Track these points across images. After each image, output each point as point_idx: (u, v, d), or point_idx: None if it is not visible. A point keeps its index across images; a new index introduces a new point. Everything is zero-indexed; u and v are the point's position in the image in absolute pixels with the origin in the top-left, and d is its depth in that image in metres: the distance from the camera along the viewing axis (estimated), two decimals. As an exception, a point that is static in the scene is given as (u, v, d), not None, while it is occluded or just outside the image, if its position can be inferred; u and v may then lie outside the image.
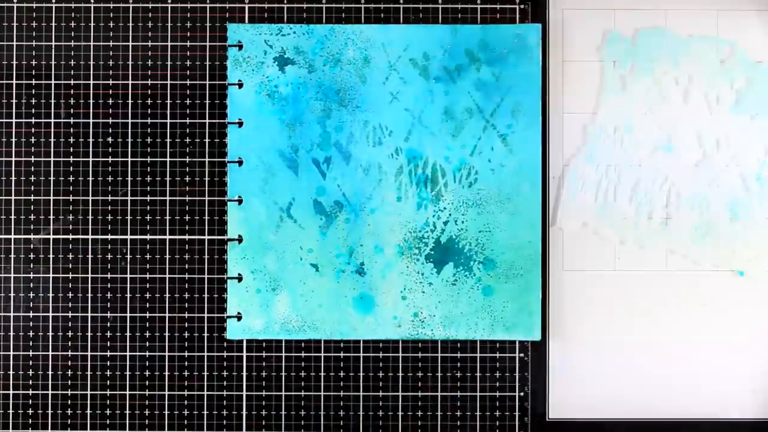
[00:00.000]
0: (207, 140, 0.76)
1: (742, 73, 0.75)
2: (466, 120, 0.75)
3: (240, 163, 0.75)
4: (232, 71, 0.76)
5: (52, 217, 0.76)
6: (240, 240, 0.75)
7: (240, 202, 0.75)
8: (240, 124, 0.75)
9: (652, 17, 0.75)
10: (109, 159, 0.76)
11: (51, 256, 0.76)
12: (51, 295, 0.75)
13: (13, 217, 0.76)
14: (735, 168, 0.75)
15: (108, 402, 0.75)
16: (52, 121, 0.76)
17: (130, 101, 0.76)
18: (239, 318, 0.75)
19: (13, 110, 0.76)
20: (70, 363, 0.75)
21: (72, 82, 0.76)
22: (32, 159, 0.76)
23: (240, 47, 0.76)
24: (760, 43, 0.76)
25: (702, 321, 0.74)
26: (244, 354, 0.75)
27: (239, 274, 0.75)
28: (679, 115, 0.75)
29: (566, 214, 0.75)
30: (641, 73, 0.75)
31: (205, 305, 0.75)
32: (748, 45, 0.76)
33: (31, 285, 0.75)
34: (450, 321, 0.75)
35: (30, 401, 0.75)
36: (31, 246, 0.76)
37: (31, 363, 0.75)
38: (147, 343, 0.75)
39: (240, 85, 0.76)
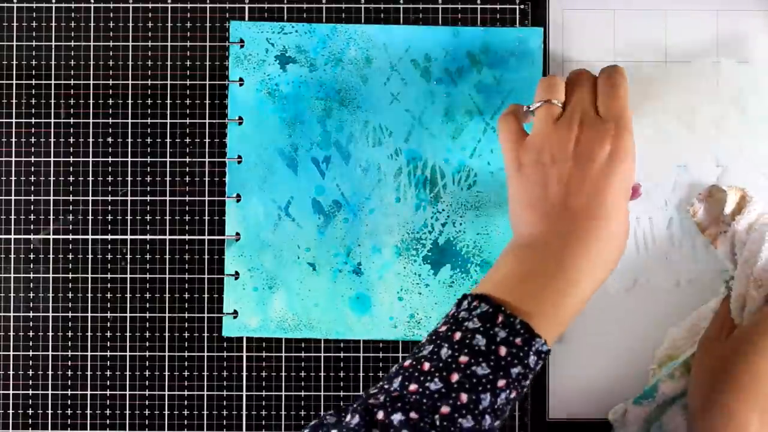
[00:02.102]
0: (207, 140, 0.76)
1: (738, 82, 0.75)
2: (466, 122, 0.75)
3: (239, 160, 0.75)
4: (233, 69, 0.76)
5: (52, 217, 0.76)
6: (238, 237, 0.75)
7: (238, 199, 0.75)
8: (240, 121, 0.75)
9: (651, 18, 0.75)
10: (109, 159, 0.76)
11: (51, 256, 0.76)
12: (51, 295, 0.76)
13: (13, 217, 0.76)
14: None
15: (108, 402, 0.75)
16: (52, 121, 0.76)
17: (130, 101, 0.76)
18: (235, 315, 0.75)
19: (13, 110, 0.76)
20: (70, 363, 0.75)
21: (72, 82, 0.76)
22: (32, 159, 0.76)
23: (241, 45, 0.76)
24: (756, 44, 0.75)
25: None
26: (244, 354, 0.75)
27: (236, 272, 0.75)
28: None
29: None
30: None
31: (205, 305, 0.75)
32: (744, 47, 0.75)
33: (31, 285, 0.76)
34: (447, 323, 0.75)
35: (30, 401, 0.75)
36: (31, 246, 0.76)
37: (31, 363, 0.75)
38: (147, 343, 0.75)
39: (241, 83, 0.76)
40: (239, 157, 0.75)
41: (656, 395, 0.70)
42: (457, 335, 0.58)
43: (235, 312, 0.75)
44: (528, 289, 0.60)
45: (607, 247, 0.62)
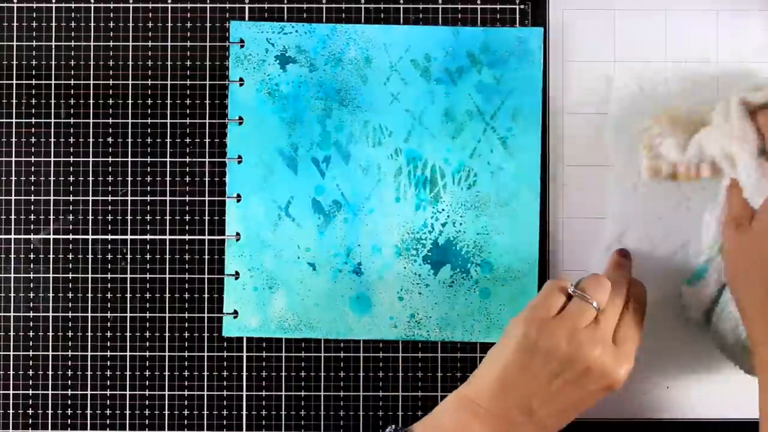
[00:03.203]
0: (207, 140, 0.76)
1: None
2: (466, 122, 0.75)
3: (239, 160, 0.75)
4: (233, 69, 0.76)
5: (52, 217, 0.76)
6: (238, 237, 0.75)
7: (239, 199, 0.75)
8: (240, 121, 0.75)
9: (651, 18, 0.75)
10: (109, 159, 0.76)
11: (51, 256, 0.76)
12: (51, 295, 0.76)
13: (13, 217, 0.76)
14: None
15: (108, 402, 0.75)
16: (52, 121, 0.76)
17: (130, 101, 0.76)
18: (235, 315, 0.75)
19: (13, 110, 0.76)
20: (70, 363, 0.75)
21: (72, 82, 0.76)
22: (32, 159, 0.76)
23: (242, 45, 0.76)
24: (760, 44, 0.75)
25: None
26: (244, 354, 0.75)
27: (236, 272, 0.75)
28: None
29: (567, 214, 0.75)
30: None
31: (206, 305, 0.76)
32: (744, 47, 0.75)
33: (31, 285, 0.76)
34: (446, 323, 0.75)
35: (30, 401, 0.75)
36: (31, 246, 0.76)
37: (31, 363, 0.75)
38: (147, 343, 0.76)
39: (241, 83, 0.76)
40: (239, 157, 0.75)
41: (706, 275, 0.70)
42: None
43: (235, 312, 0.75)
44: None
45: None
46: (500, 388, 0.64)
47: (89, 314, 0.76)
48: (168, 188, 0.76)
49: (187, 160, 0.76)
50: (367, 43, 0.76)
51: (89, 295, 0.76)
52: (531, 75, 0.75)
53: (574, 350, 0.64)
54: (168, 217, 0.76)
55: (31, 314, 0.76)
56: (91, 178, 0.76)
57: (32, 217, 0.76)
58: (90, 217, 0.76)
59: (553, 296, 0.66)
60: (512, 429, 0.64)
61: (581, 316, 0.65)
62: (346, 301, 0.75)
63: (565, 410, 0.65)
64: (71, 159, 0.76)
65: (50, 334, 0.75)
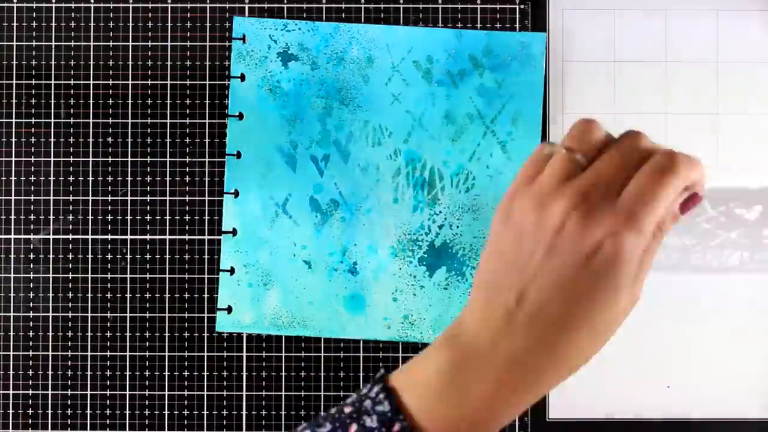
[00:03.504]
0: (207, 139, 0.76)
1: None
2: (466, 125, 0.75)
3: (238, 155, 0.75)
4: (234, 64, 0.76)
5: (52, 217, 0.76)
6: (234, 233, 0.75)
7: (236, 195, 0.75)
8: (240, 116, 0.76)
9: (651, 18, 0.75)
10: (109, 159, 0.76)
11: (51, 256, 0.76)
12: (51, 295, 0.76)
13: (13, 217, 0.76)
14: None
15: (108, 402, 0.76)
16: (52, 121, 0.76)
17: (130, 101, 0.76)
18: (229, 311, 0.75)
19: (13, 110, 0.76)
20: (70, 363, 0.76)
21: (72, 82, 0.76)
22: (32, 159, 0.76)
23: (244, 41, 0.76)
24: (760, 43, 0.75)
25: (703, 320, 0.74)
26: (244, 353, 0.76)
27: (231, 267, 0.75)
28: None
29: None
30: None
31: (205, 305, 0.76)
32: (744, 47, 0.75)
33: (31, 285, 0.76)
34: (440, 324, 0.75)
35: (30, 401, 0.76)
36: (31, 246, 0.76)
37: (31, 363, 0.76)
38: (147, 343, 0.76)
39: (242, 79, 0.76)
40: (238, 152, 0.75)
41: None
42: (353, 428, 0.50)
43: (229, 308, 0.75)
44: (449, 415, 0.50)
45: (570, 364, 0.50)
46: (484, 291, 0.51)
47: (89, 314, 0.76)
48: (168, 188, 0.76)
49: (187, 159, 0.76)
50: (370, 42, 0.76)
51: (89, 295, 0.76)
52: (532, 80, 0.75)
53: (540, 210, 0.49)
54: (168, 217, 0.76)
55: (31, 314, 0.76)
56: (91, 178, 0.76)
57: (32, 217, 0.76)
58: (90, 217, 0.76)
59: (535, 160, 0.53)
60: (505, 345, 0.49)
61: (555, 170, 0.50)
62: (340, 300, 0.75)
63: (557, 304, 0.48)
64: (71, 159, 0.76)
65: (50, 334, 0.76)
